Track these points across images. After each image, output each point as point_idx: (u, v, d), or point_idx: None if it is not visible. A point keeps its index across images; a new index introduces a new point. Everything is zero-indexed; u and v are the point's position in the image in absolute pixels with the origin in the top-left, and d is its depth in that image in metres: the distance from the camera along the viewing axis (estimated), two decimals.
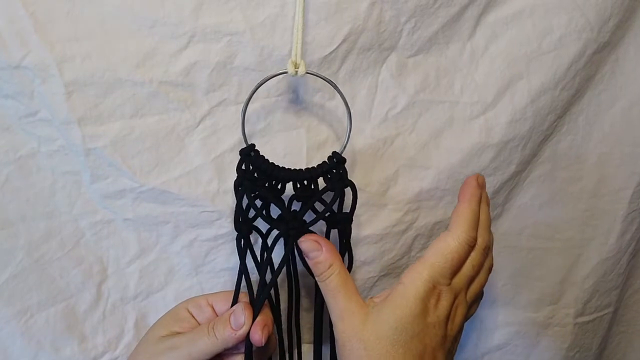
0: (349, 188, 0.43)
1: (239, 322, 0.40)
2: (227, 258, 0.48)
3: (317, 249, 0.40)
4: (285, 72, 0.42)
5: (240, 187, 0.42)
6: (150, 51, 0.41)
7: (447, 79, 0.49)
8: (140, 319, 0.48)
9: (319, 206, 0.43)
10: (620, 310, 0.67)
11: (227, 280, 0.49)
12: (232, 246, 0.47)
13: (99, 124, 0.42)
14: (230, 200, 0.46)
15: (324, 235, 0.45)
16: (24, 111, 0.41)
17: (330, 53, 0.44)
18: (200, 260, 0.48)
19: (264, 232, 0.45)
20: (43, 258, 0.45)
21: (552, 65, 0.50)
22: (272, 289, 0.47)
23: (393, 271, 0.53)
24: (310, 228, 0.42)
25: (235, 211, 0.43)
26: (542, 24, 0.49)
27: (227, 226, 0.46)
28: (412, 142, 0.49)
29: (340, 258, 0.41)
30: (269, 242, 0.44)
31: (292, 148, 0.46)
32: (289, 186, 0.43)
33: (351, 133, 0.47)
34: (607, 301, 0.62)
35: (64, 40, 0.39)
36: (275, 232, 0.44)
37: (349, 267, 0.46)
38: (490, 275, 0.58)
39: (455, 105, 0.49)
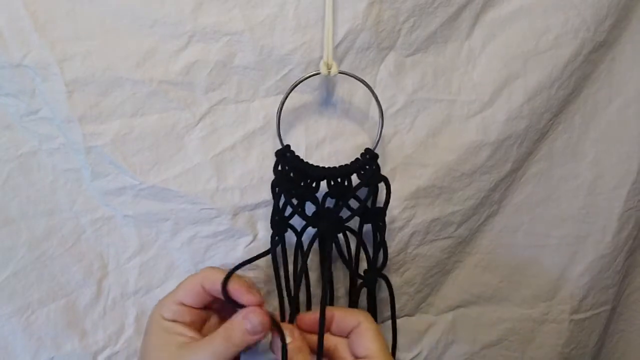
0: (382, 183, 0.45)
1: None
2: (226, 254, 0.48)
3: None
4: (318, 73, 0.43)
5: (277, 188, 0.44)
6: (150, 50, 0.41)
7: (445, 78, 0.49)
8: (140, 315, 0.49)
9: (352, 202, 0.44)
10: (618, 309, 0.67)
11: None
12: (231, 243, 0.48)
13: (99, 123, 0.42)
14: (230, 198, 0.46)
15: (357, 230, 0.47)
16: (25, 109, 0.41)
17: None
18: (200, 257, 0.48)
19: (299, 230, 0.46)
20: (44, 255, 0.45)
21: (549, 64, 0.51)
22: (305, 286, 0.49)
23: (390, 267, 0.53)
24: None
25: (272, 211, 0.44)
26: (538, 23, 0.50)
27: (226, 223, 0.47)
28: (410, 140, 0.49)
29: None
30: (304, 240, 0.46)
31: (290, 146, 0.47)
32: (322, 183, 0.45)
33: (350, 131, 0.48)
34: (603, 299, 0.62)
35: (64, 40, 0.39)
36: (309, 230, 0.46)
37: (384, 262, 0.47)
38: (487, 272, 0.59)
39: (453, 103, 0.50)
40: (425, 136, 0.50)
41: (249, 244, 0.48)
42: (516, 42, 0.50)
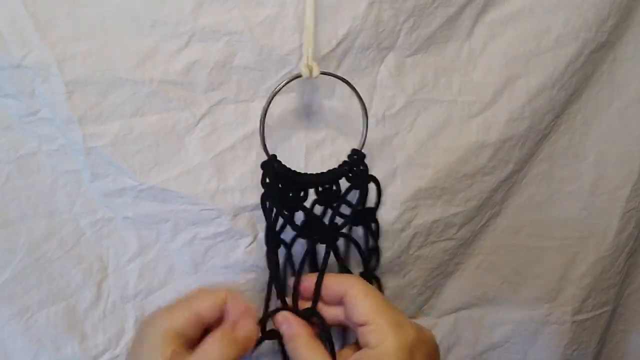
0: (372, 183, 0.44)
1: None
2: (226, 256, 0.48)
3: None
4: (300, 76, 0.42)
5: (267, 202, 0.42)
6: (150, 50, 0.41)
7: (445, 78, 0.49)
8: (140, 318, 0.48)
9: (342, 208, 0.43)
10: (619, 309, 0.67)
11: (227, 278, 0.49)
12: (231, 244, 0.48)
13: (99, 123, 0.42)
14: (230, 198, 0.46)
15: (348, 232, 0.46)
16: (24, 110, 0.41)
17: (329, 52, 0.44)
18: (200, 258, 0.48)
19: (287, 242, 0.45)
20: (43, 257, 0.45)
21: (550, 64, 0.51)
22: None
23: (391, 269, 0.53)
24: None
25: (266, 227, 0.43)
26: (539, 23, 0.50)
27: (226, 224, 0.46)
28: (411, 141, 0.49)
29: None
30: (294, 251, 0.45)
31: (290, 147, 0.47)
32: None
33: (349, 132, 0.48)
34: (605, 299, 0.62)
35: (64, 40, 0.39)
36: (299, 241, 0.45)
37: (377, 263, 0.46)
38: (489, 273, 0.59)
39: (454, 104, 0.50)
40: (426, 137, 0.50)
41: (249, 244, 0.48)
42: (517, 43, 0.50)
